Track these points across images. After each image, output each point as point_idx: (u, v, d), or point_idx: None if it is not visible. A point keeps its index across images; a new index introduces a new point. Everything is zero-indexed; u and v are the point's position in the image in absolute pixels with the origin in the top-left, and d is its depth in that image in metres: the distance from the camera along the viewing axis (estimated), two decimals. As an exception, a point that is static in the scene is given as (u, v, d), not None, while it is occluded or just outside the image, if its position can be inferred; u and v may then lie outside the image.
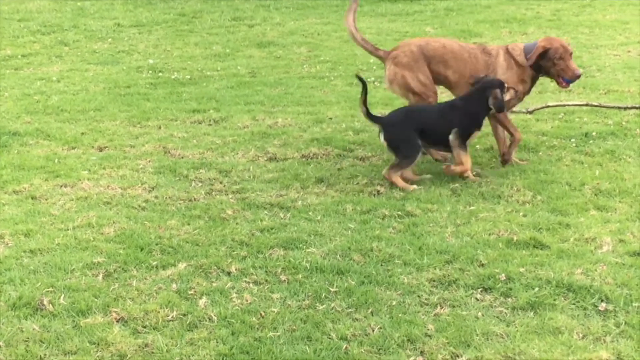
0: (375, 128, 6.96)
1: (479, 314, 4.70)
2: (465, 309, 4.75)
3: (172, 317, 4.67)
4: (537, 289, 4.92)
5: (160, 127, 8.30)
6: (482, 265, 5.25)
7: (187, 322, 4.63)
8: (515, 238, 5.59)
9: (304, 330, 4.54)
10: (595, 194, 6.33)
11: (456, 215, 6.01)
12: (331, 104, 8.99)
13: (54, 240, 5.65)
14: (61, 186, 6.68)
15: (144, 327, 4.59)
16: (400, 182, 6.53)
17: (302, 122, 8.37)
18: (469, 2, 15.08)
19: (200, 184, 6.74)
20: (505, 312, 4.72)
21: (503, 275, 5.08)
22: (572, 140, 7.58)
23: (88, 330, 4.53)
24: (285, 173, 6.91)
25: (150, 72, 10.70)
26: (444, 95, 7.78)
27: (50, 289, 4.97)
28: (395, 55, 7.24)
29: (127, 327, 4.59)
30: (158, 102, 9.13)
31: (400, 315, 4.67)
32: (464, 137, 6.68)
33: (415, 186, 6.52)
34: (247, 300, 4.84)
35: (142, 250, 5.49)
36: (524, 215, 5.98)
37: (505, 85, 6.81)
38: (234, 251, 5.49)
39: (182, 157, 7.38)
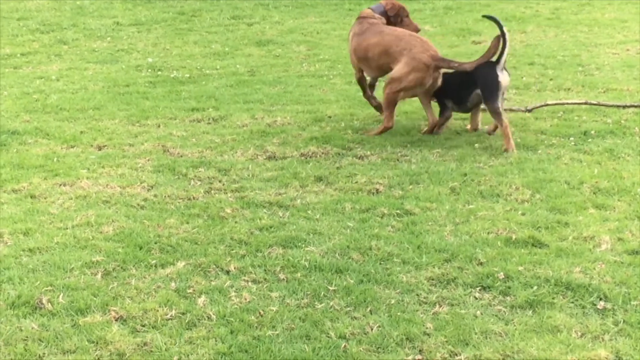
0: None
1: (478, 312, 4.70)
2: (464, 308, 4.75)
3: (171, 316, 4.67)
4: (535, 287, 4.93)
5: (159, 126, 8.30)
6: (481, 263, 5.25)
7: (186, 321, 4.63)
8: (514, 237, 5.59)
9: (303, 328, 4.54)
10: (594, 193, 6.33)
11: (455, 214, 6.01)
12: (330, 103, 8.99)
13: (53, 239, 5.65)
14: (60, 185, 6.68)
15: (143, 325, 4.59)
16: None
17: (301, 120, 8.37)
18: (468, 1, 15.08)
19: (199, 183, 6.74)
20: (503, 311, 4.72)
21: (502, 273, 5.08)
22: (571, 138, 7.58)
23: (87, 329, 4.53)
24: (284, 172, 6.91)
25: (149, 70, 10.70)
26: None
27: (49, 287, 4.97)
28: None
29: (126, 325, 4.59)
30: (157, 101, 9.13)
31: (399, 313, 4.68)
32: None
33: None
34: (246, 299, 4.85)
35: (141, 249, 5.49)
36: (523, 214, 5.99)
37: None
38: (232, 250, 5.49)
39: (181, 156, 7.38)
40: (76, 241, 5.62)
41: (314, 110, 8.70)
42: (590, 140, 7.52)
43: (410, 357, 4.31)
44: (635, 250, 5.38)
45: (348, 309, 4.75)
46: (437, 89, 7.82)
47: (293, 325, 4.57)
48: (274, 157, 7.33)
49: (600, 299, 4.80)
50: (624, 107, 8.36)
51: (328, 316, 4.66)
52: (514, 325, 4.57)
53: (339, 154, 7.38)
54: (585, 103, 8.47)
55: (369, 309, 4.74)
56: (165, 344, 4.41)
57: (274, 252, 5.44)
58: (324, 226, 5.83)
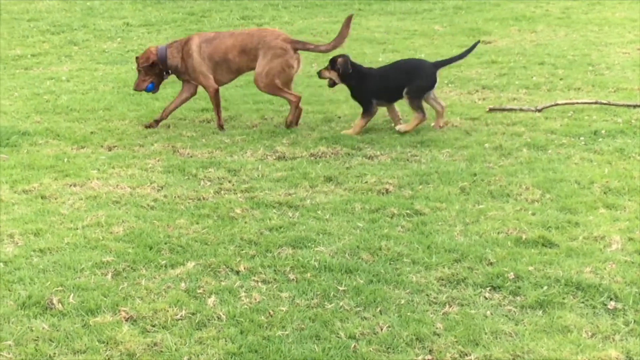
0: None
1: (488, 312, 4.70)
2: (474, 308, 4.75)
3: (181, 316, 4.68)
4: (546, 287, 4.92)
5: (169, 127, 8.31)
6: (491, 263, 5.24)
7: (196, 321, 4.64)
8: (524, 236, 5.58)
9: (313, 329, 4.54)
10: (605, 192, 6.31)
11: (465, 214, 6.00)
12: (340, 103, 8.98)
13: (63, 239, 5.66)
14: (70, 185, 6.70)
15: (153, 326, 4.60)
16: None
17: (311, 121, 8.37)
18: (478, 0, 15.06)
19: (209, 183, 6.75)
20: (514, 311, 4.71)
21: (512, 273, 5.07)
22: (581, 138, 7.56)
23: (97, 329, 4.55)
24: (294, 172, 6.91)
25: (159, 71, 10.70)
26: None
27: (60, 288, 4.99)
28: None
29: (136, 326, 4.60)
30: (167, 101, 9.13)
31: (408, 314, 4.67)
32: None
33: None
34: (255, 299, 4.85)
35: (151, 249, 5.51)
36: (533, 214, 5.98)
37: None
38: (242, 250, 5.50)
39: (191, 156, 7.39)
40: (86, 241, 5.64)
41: (324, 111, 8.70)
42: (600, 139, 7.50)
43: (420, 358, 4.30)
44: (646, 250, 5.37)
45: (358, 309, 4.75)
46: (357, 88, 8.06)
47: (303, 326, 4.57)
48: (284, 157, 7.33)
49: (611, 299, 4.79)
50: (635, 106, 8.33)
51: (338, 316, 4.66)
52: (524, 326, 4.56)
53: (349, 154, 7.38)
54: (596, 103, 8.45)
55: (378, 309, 4.74)
56: (175, 344, 4.42)
57: (283, 253, 5.44)
58: (333, 226, 5.83)
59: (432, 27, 13.12)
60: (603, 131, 7.68)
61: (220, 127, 8.19)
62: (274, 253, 5.44)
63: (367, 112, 7.97)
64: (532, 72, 10.06)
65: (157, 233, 5.74)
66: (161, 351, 4.37)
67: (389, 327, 4.55)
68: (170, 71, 8.33)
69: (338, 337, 4.47)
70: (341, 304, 4.79)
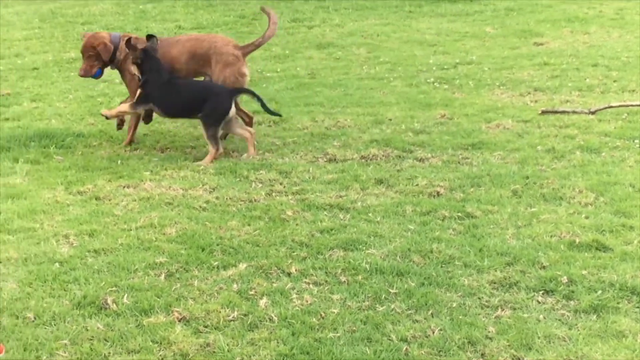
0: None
1: (541, 316, 4.66)
2: (527, 312, 4.71)
3: (233, 317, 4.71)
4: (600, 291, 4.86)
5: (220, 129, 8.36)
6: (544, 267, 5.20)
7: (248, 322, 4.66)
8: (577, 240, 5.52)
9: (364, 331, 4.54)
10: (660, 196, 6.23)
11: (517, 217, 5.96)
12: (390, 105, 8.97)
13: (117, 240, 5.73)
14: (124, 187, 6.78)
15: (206, 326, 4.64)
16: None
17: (362, 123, 8.37)
18: (530, 2, 14.93)
19: (260, 185, 6.78)
20: (567, 315, 4.67)
21: (565, 277, 5.02)
22: (636, 141, 7.46)
23: (151, 330, 4.59)
24: (345, 174, 6.92)
25: (210, 73, 10.78)
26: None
27: (114, 288, 5.05)
28: None
29: (188, 326, 4.64)
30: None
31: (460, 317, 4.65)
32: None
33: None
34: (307, 301, 4.86)
35: (203, 250, 5.55)
36: (587, 217, 5.91)
37: None
38: (294, 252, 5.52)
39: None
40: (140, 242, 5.70)
41: (375, 113, 8.69)
42: (655, 142, 7.40)
43: (472, 361, 4.29)
44: (703, 254, 5.28)
45: (409, 312, 4.74)
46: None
47: (354, 328, 4.58)
48: (335, 159, 7.34)
49: (667, 304, 4.73)
50: (691, 108, 8.21)
51: (389, 319, 4.66)
52: (578, 330, 4.51)
53: (400, 157, 7.37)
54: (651, 105, 8.34)
55: (430, 312, 4.72)
56: (227, 345, 4.45)
57: (334, 255, 5.45)
58: (384, 229, 5.83)
59: (483, 29, 13.04)
60: (658, 134, 7.57)
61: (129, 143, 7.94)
62: (325, 255, 5.45)
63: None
64: (585, 74, 9.96)
65: (209, 234, 5.78)
66: (214, 352, 4.40)
67: (440, 330, 4.53)
68: (114, 64, 7.97)
69: (389, 339, 4.47)
70: (392, 306, 4.79)
